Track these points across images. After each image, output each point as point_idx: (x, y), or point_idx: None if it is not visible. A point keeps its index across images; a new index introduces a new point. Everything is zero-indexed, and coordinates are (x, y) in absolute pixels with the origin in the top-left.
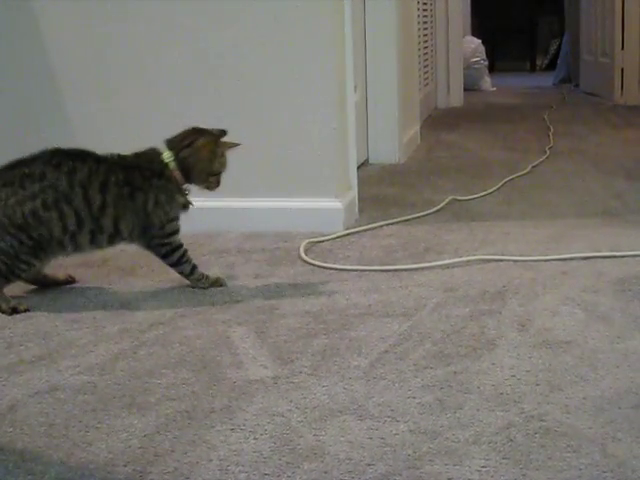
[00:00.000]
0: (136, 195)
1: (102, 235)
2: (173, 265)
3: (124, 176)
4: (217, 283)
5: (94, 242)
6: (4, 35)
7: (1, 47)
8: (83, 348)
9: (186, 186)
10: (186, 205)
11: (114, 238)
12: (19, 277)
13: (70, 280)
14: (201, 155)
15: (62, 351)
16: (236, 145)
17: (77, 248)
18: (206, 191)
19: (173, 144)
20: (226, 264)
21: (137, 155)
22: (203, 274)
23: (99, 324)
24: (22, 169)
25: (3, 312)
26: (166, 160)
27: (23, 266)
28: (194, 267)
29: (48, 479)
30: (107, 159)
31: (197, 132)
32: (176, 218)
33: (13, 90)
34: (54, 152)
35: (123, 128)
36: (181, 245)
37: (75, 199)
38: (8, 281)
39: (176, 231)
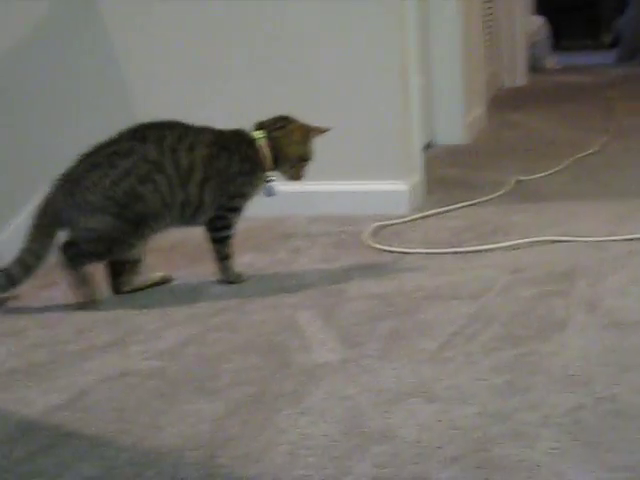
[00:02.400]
0: (222, 155)
1: (189, 207)
2: (215, 241)
3: (213, 137)
4: (240, 278)
5: (183, 216)
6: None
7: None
8: (152, 333)
9: (270, 173)
10: (268, 192)
11: (198, 211)
12: (118, 257)
13: (167, 279)
14: (294, 138)
15: (131, 337)
16: (327, 130)
17: (171, 222)
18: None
19: (264, 125)
20: (292, 248)
21: (232, 129)
22: (232, 265)
23: (167, 310)
24: (107, 149)
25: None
26: (257, 136)
27: (125, 247)
28: (229, 255)
29: (119, 464)
30: (196, 126)
31: (285, 118)
32: (247, 196)
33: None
34: (137, 128)
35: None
36: (233, 226)
37: (165, 164)
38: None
39: (239, 209)
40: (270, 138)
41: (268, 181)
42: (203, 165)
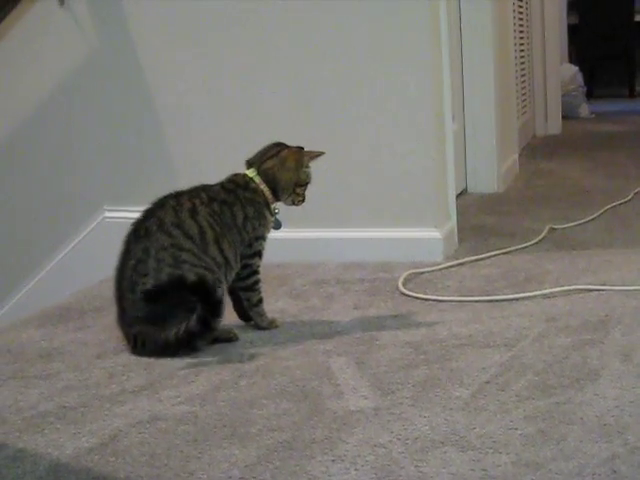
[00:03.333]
0: (223, 209)
1: (221, 269)
2: (245, 289)
3: (208, 195)
4: (273, 324)
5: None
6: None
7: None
8: (184, 378)
9: (275, 206)
10: (277, 225)
11: (228, 270)
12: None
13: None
14: (287, 165)
15: (163, 381)
16: (320, 154)
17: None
18: (302, 221)
19: (253, 160)
20: (325, 294)
21: (220, 181)
22: (264, 311)
23: (200, 354)
24: (127, 263)
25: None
26: (250, 175)
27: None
28: (261, 300)
29: None
30: (186, 190)
31: (279, 145)
32: (263, 237)
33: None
34: (134, 228)
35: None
36: (259, 271)
37: (180, 241)
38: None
39: (260, 253)
40: (261, 172)
41: (275, 213)
42: (209, 225)
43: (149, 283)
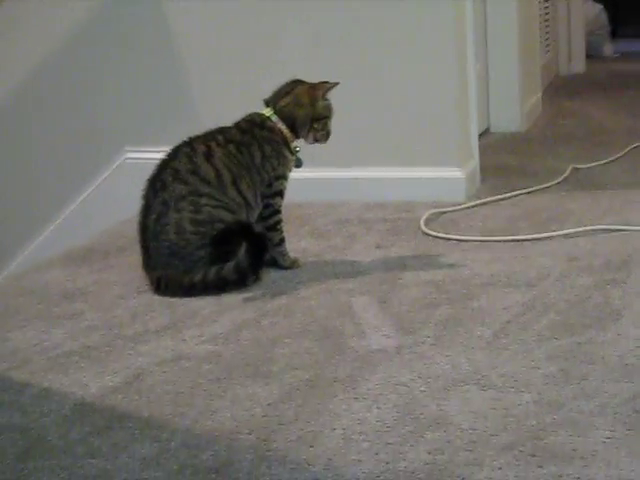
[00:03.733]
0: (240, 149)
1: (242, 209)
2: (267, 229)
3: (224, 137)
4: (295, 264)
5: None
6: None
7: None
8: (207, 318)
9: (295, 144)
10: (298, 163)
11: (249, 210)
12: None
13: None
14: (301, 100)
15: (187, 321)
16: (334, 85)
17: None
18: (325, 161)
19: (270, 99)
20: (348, 234)
21: (236, 121)
22: (286, 250)
23: (222, 294)
24: (148, 217)
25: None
26: (267, 114)
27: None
28: (283, 239)
29: (174, 446)
30: (199, 135)
31: (295, 82)
32: (284, 176)
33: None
34: (150, 183)
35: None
36: (280, 210)
37: (198, 187)
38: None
39: (281, 192)
40: (278, 111)
41: (296, 152)
42: (226, 167)
43: (171, 232)
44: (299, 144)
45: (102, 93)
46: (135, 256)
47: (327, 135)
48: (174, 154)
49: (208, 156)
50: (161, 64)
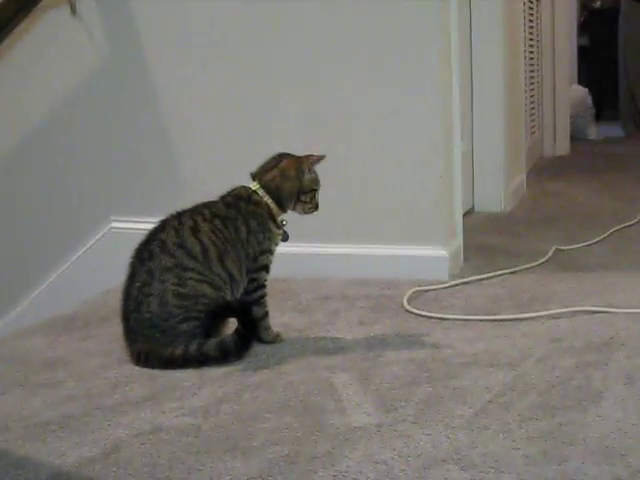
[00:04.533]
0: (225, 224)
1: (226, 285)
2: (251, 303)
3: (210, 212)
4: (278, 338)
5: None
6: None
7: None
8: (188, 390)
9: (282, 218)
10: (284, 237)
11: (234, 286)
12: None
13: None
14: (287, 174)
15: (167, 393)
16: (321, 158)
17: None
18: (309, 236)
19: (256, 173)
20: (331, 310)
21: (222, 195)
22: (270, 324)
23: (204, 367)
24: (133, 285)
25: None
26: (253, 188)
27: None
28: (266, 314)
29: None
30: (186, 209)
31: (280, 155)
32: (270, 251)
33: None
34: (136, 253)
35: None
36: (265, 285)
37: (184, 261)
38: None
39: (267, 266)
40: (264, 185)
41: (283, 225)
42: (212, 242)
43: (154, 303)
44: (286, 217)
45: (88, 162)
46: (117, 327)
47: (315, 207)
48: (162, 226)
49: (195, 231)
50: (148, 134)
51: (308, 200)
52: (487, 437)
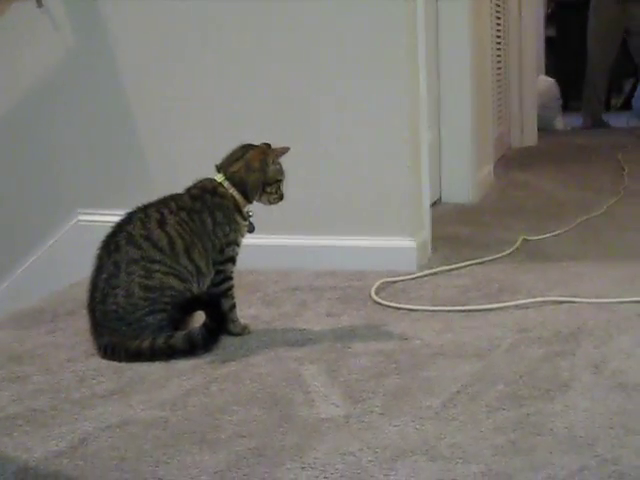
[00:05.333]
0: (191, 217)
1: (193, 278)
2: (218, 295)
3: (177, 204)
4: (246, 330)
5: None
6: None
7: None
8: (155, 383)
9: (248, 209)
10: (250, 228)
11: (201, 278)
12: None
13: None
14: (252, 165)
15: (134, 386)
16: (286, 150)
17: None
18: (276, 228)
19: (221, 165)
20: (298, 302)
21: (188, 187)
22: (237, 317)
23: (171, 360)
24: (99, 276)
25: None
26: (218, 180)
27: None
28: (234, 306)
29: None
30: (153, 202)
31: (245, 147)
32: (236, 242)
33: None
34: (103, 244)
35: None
36: (232, 277)
37: (150, 253)
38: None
39: (233, 258)
40: (229, 177)
41: (249, 217)
42: (179, 235)
43: (120, 295)
44: (251, 209)
45: (54, 154)
46: (84, 320)
47: (280, 198)
48: (128, 218)
49: (161, 223)
50: (114, 126)
51: (273, 191)
52: (455, 428)
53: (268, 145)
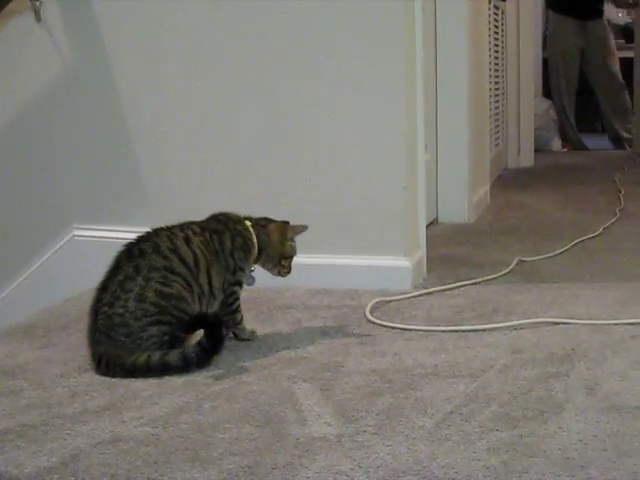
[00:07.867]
0: (214, 237)
1: (204, 297)
2: (230, 313)
3: (199, 226)
4: (253, 335)
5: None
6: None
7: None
8: (147, 400)
9: (252, 264)
10: (250, 281)
11: (213, 300)
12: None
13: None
14: (273, 238)
15: (126, 402)
16: (304, 228)
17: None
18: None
19: (250, 218)
20: (293, 320)
21: (214, 214)
22: (245, 325)
23: (164, 376)
24: (114, 279)
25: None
26: (246, 221)
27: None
28: (242, 318)
29: None
30: (176, 224)
31: (267, 219)
32: (244, 271)
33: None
34: (127, 248)
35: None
36: (239, 297)
37: (174, 265)
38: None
39: (241, 283)
40: (254, 225)
41: (251, 270)
42: (202, 254)
43: (132, 298)
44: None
45: (51, 169)
46: (77, 335)
47: (289, 271)
48: (154, 232)
49: (187, 241)
50: (112, 141)
51: (286, 265)
52: (448, 448)
53: (287, 222)
